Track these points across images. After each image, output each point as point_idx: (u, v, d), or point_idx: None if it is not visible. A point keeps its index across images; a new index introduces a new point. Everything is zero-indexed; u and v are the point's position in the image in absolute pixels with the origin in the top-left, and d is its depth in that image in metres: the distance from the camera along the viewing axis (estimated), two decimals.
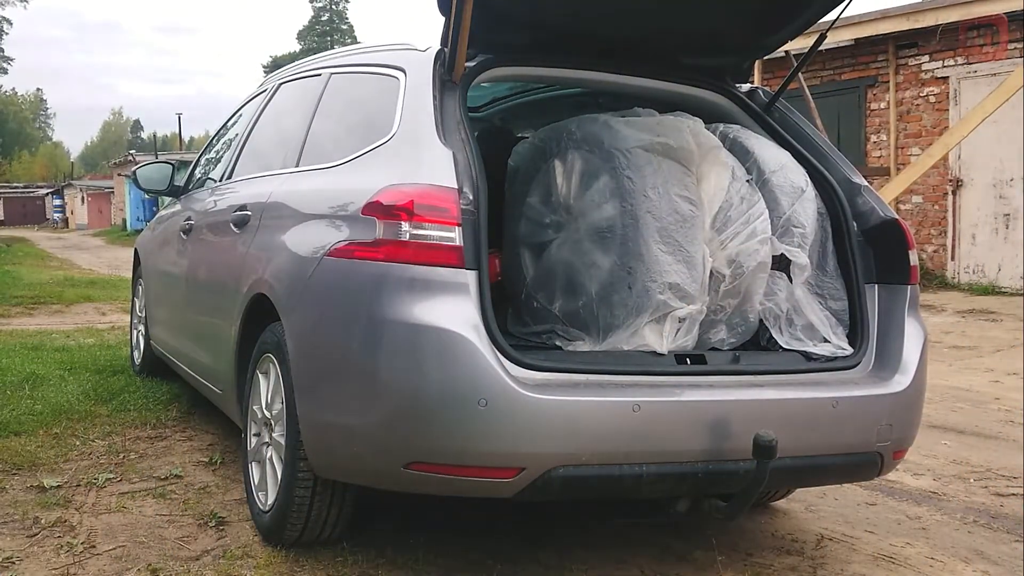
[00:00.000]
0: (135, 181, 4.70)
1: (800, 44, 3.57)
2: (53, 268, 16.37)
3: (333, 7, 72.45)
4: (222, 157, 4.37)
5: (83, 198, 47.77)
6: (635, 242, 2.58)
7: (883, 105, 10.86)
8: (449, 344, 2.27)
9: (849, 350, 2.75)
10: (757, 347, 2.82)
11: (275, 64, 61.48)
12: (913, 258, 2.84)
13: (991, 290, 9.70)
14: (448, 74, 2.70)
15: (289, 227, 2.91)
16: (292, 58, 45.36)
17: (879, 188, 8.42)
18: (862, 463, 2.67)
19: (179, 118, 48.29)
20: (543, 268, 2.78)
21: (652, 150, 2.67)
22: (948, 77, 10.21)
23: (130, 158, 38.19)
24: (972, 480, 3.87)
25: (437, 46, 2.78)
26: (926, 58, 10.40)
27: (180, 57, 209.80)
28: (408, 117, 2.67)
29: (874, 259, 2.86)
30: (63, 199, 51.81)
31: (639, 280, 2.57)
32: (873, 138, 11.02)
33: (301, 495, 2.64)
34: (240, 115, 4.45)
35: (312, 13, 72.35)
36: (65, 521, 3.04)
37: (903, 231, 2.83)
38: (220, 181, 4.07)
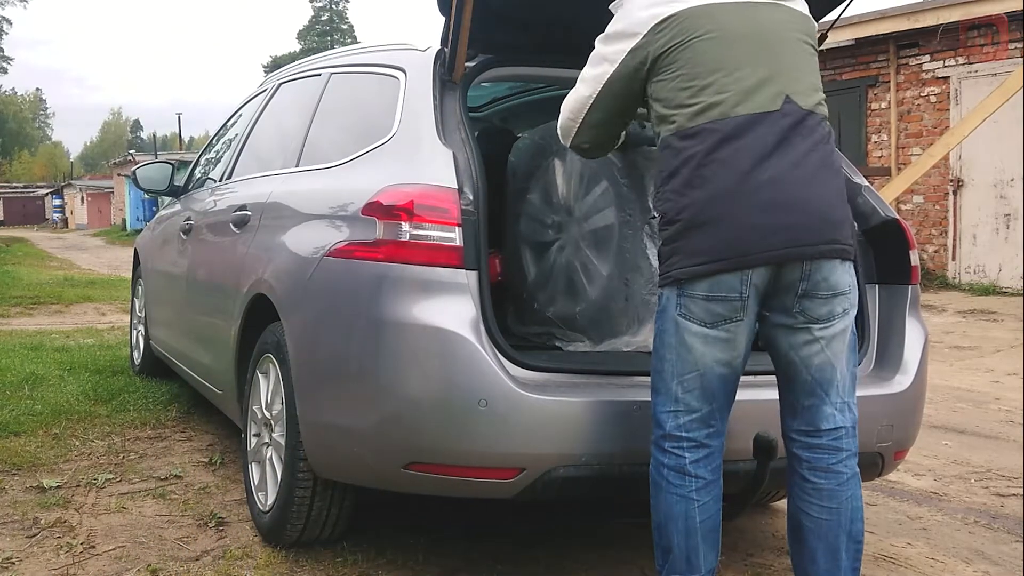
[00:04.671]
0: (135, 181, 4.69)
1: None
2: (53, 268, 16.38)
3: (333, 7, 72.45)
4: (222, 157, 4.37)
5: (83, 198, 47.79)
6: (633, 252, 2.58)
7: (884, 105, 10.86)
8: (449, 344, 2.26)
9: None
10: (757, 347, 2.81)
11: (275, 64, 61.47)
12: (914, 258, 2.84)
13: (992, 290, 9.70)
14: (448, 74, 2.70)
15: (289, 227, 2.91)
16: (292, 58, 45.36)
17: (880, 188, 8.41)
18: (862, 463, 2.65)
19: (179, 118, 48.36)
20: (543, 269, 2.78)
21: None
22: (949, 77, 10.21)
23: (130, 158, 38.22)
24: (973, 480, 3.87)
25: (437, 46, 2.78)
26: (927, 58, 10.40)
27: (180, 57, 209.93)
28: (408, 117, 2.67)
29: (875, 259, 2.85)
30: (63, 199, 51.81)
31: (637, 293, 2.57)
32: (874, 138, 11.02)
33: (301, 495, 2.64)
34: (240, 115, 4.45)
35: (312, 13, 72.39)
36: (65, 521, 3.04)
37: (904, 231, 2.83)
38: (220, 181, 4.07)
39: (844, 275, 2.14)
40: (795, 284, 2.08)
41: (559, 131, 2.41)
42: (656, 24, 2.15)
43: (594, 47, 2.27)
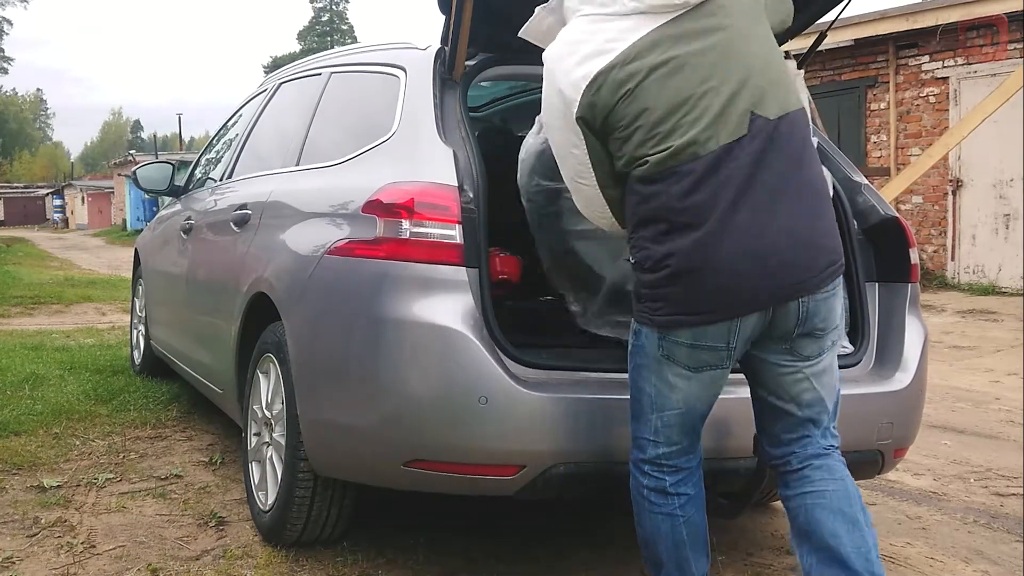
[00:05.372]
0: (135, 181, 4.70)
1: (800, 44, 3.57)
2: (53, 268, 16.38)
3: (333, 7, 72.44)
4: (222, 157, 4.37)
5: (83, 198, 47.77)
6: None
7: (883, 105, 10.86)
8: (449, 342, 2.27)
9: (849, 348, 2.75)
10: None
11: (275, 64, 61.44)
12: (914, 256, 2.84)
13: (991, 290, 9.70)
14: (448, 73, 2.70)
15: (289, 226, 2.91)
16: (292, 58, 45.32)
17: (879, 188, 8.40)
18: (862, 461, 2.66)
19: (179, 118, 48.38)
20: (556, 245, 2.73)
21: None
22: (948, 77, 10.21)
23: (130, 158, 38.21)
24: (972, 480, 3.87)
25: (437, 45, 2.78)
26: (926, 58, 10.40)
27: (180, 57, 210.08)
28: (408, 115, 2.67)
29: (874, 257, 2.86)
30: (63, 199, 51.80)
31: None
32: (873, 138, 11.02)
33: (301, 495, 2.64)
34: (240, 115, 4.45)
35: (312, 13, 72.37)
36: (65, 521, 3.04)
37: (903, 229, 2.83)
38: (220, 181, 4.07)
39: (837, 304, 2.07)
40: (792, 327, 2.02)
41: (610, 232, 2.25)
42: (590, 83, 1.99)
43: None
